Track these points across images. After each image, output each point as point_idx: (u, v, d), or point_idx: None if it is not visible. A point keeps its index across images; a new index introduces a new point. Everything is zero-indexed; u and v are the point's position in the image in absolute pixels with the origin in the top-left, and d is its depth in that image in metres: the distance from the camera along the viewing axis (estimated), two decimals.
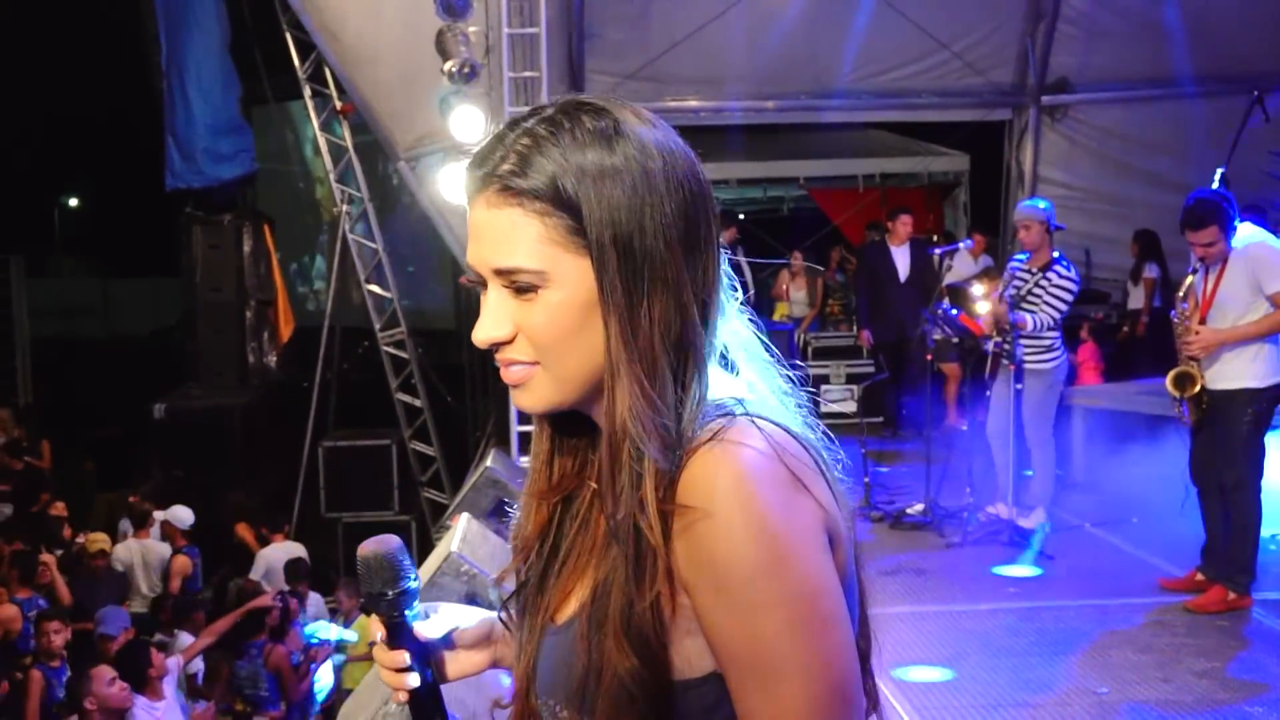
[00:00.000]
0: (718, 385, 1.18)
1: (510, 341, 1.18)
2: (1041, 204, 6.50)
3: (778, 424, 1.15)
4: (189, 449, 11.58)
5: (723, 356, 1.22)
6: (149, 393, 12.29)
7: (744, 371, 1.23)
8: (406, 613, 1.28)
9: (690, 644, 1.11)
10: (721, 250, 1.21)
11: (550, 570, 1.28)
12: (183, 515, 9.38)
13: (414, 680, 1.28)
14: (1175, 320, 5.41)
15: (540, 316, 1.15)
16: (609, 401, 1.15)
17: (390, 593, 1.27)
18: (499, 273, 1.16)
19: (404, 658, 1.28)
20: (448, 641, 1.36)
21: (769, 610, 1.06)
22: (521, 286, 1.15)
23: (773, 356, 1.26)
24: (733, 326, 1.24)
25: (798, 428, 1.18)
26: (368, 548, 1.28)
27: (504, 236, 1.15)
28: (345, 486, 11.11)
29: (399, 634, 1.29)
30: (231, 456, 11.92)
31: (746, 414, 1.13)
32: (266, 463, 12.00)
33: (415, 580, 1.29)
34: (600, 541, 1.19)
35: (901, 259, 9.14)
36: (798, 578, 1.07)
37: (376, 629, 1.30)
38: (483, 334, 1.19)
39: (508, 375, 1.20)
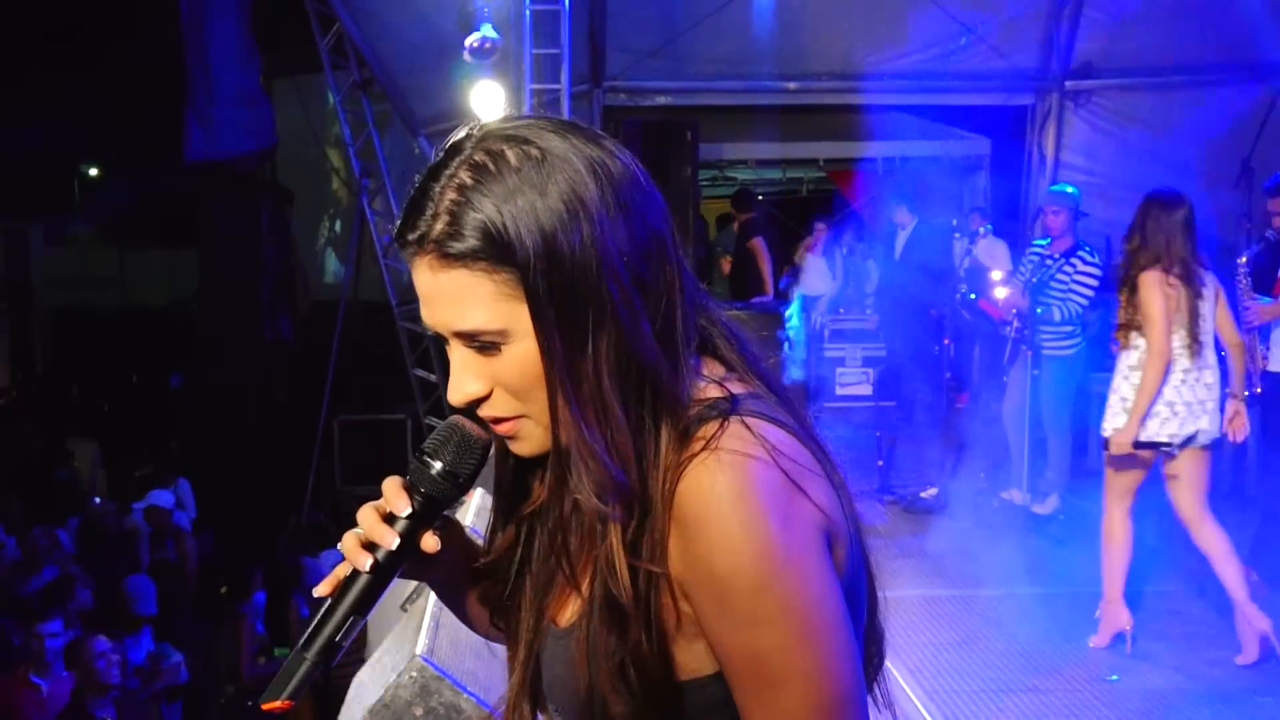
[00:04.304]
0: (705, 382, 1.15)
1: (489, 396, 1.15)
2: (1070, 189, 6.49)
3: (772, 418, 1.12)
4: (205, 421, 11.65)
5: (710, 349, 1.19)
6: (166, 364, 12.32)
7: (731, 363, 1.19)
8: (438, 507, 1.20)
9: (696, 647, 1.12)
10: (680, 244, 1.16)
11: (524, 588, 1.27)
12: (184, 493, 9.47)
13: (394, 540, 1.17)
14: (1240, 286, 5.32)
15: (511, 368, 1.12)
16: (556, 456, 1.15)
17: (457, 475, 1.19)
18: (460, 335, 1.13)
19: (405, 514, 1.18)
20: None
21: (770, 623, 1.06)
22: (485, 345, 1.12)
23: (757, 345, 1.23)
24: (713, 318, 1.20)
25: (792, 419, 1.15)
26: (476, 429, 1.19)
27: (457, 300, 1.10)
28: (360, 460, 11.20)
29: (424, 517, 1.19)
30: (247, 429, 11.98)
31: (737, 413, 1.10)
32: (282, 436, 12.05)
33: (458, 496, 1.21)
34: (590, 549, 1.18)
35: (911, 243, 9.08)
36: (797, 589, 1.06)
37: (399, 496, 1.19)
38: (461, 394, 1.15)
39: (499, 429, 1.17)
